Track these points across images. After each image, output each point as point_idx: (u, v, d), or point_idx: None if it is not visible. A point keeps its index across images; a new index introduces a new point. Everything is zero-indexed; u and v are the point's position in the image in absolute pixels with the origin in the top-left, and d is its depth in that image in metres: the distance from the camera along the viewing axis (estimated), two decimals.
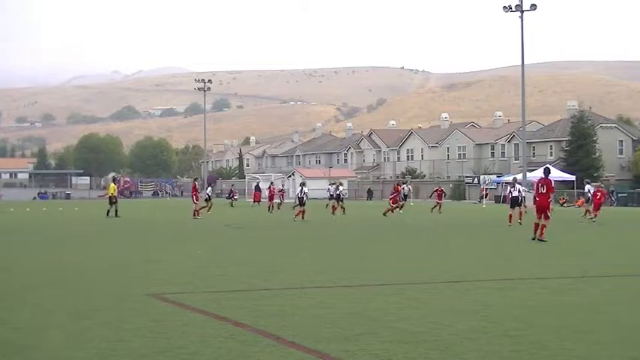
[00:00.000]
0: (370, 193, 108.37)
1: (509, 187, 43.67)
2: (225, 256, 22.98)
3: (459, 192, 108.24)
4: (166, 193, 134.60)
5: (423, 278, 17.40)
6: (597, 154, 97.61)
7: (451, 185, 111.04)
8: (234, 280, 16.90)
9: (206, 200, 55.56)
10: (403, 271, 18.86)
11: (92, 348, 9.77)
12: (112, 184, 51.67)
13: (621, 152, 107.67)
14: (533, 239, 27.23)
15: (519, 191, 41.66)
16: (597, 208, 45.82)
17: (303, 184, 48.18)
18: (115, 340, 10.25)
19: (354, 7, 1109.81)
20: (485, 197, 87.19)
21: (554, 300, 13.88)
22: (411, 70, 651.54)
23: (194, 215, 48.02)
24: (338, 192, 54.75)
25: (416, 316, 12.09)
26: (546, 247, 26.01)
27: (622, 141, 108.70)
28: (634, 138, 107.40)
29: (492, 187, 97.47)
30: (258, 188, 76.18)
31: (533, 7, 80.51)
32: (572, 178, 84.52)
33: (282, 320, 11.61)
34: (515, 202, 41.15)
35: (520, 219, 39.88)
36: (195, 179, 54.30)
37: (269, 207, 60.12)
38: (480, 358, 9.28)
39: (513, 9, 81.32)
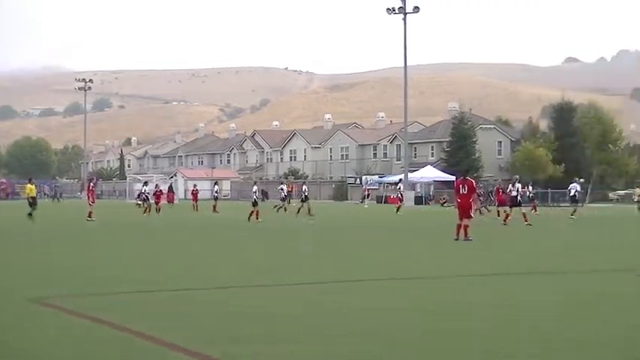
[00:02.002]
0: (265, 194, 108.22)
1: (509, 186, 43.20)
2: (113, 257, 22.45)
3: (341, 192, 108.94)
4: (45, 194, 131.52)
5: (349, 276, 17.31)
6: (477, 155, 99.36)
7: (333, 186, 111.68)
8: (125, 281, 16.49)
9: (253, 204, 46.02)
10: (326, 270, 18.78)
11: None
12: (30, 185, 48.96)
13: (500, 153, 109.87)
14: (456, 240, 27.29)
15: (518, 191, 41.54)
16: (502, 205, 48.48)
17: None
18: None
19: (237, 7, 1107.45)
20: (367, 197, 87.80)
21: (458, 298, 13.86)
22: (295, 70, 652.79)
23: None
24: (305, 193, 54.65)
25: (329, 315, 12.03)
26: (473, 245, 26.23)
27: (501, 142, 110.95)
28: (512, 139, 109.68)
29: (374, 187, 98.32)
30: (171, 189, 77.39)
31: (416, 9, 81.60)
32: (453, 178, 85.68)
33: (169, 323, 11.34)
34: (514, 201, 41.03)
35: (526, 220, 39.70)
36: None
37: (155, 208, 58.57)
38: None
39: (396, 11, 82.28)
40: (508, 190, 42.45)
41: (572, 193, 50.96)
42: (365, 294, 14.77)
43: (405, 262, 21.26)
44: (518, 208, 40.57)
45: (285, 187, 58.37)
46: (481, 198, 54.48)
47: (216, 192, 66.19)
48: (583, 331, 10.80)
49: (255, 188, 47.24)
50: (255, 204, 45.51)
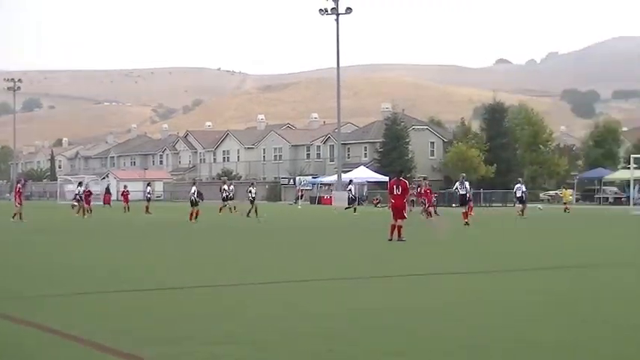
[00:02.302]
0: (200, 195, 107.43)
1: (457, 184, 42.70)
2: (42, 258, 22.08)
3: (274, 193, 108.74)
4: None
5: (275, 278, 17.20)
6: (410, 156, 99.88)
7: (267, 187, 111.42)
8: (58, 283, 16.24)
9: (192, 204, 46.26)
10: (251, 272, 18.60)
11: None
12: None
13: (433, 154, 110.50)
14: (390, 240, 27.22)
15: (466, 189, 41.30)
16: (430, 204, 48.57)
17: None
18: None
19: (170, 7, 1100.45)
20: (301, 198, 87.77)
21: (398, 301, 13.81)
22: (228, 71, 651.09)
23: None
24: (252, 195, 53.89)
25: (246, 317, 11.89)
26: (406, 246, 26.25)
27: (433, 142, 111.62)
28: (445, 140, 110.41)
29: (308, 188, 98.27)
30: (108, 190, 77.35)
31: (349, 10, 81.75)
32: (386, 179, 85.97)
33: (102, 324, 11.15)
34: (464, 200, 40.66)
35: (466, 219, 39.44)
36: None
37: (85, 210, 57.32)
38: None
39: (329, 12, 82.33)
40: (455, 189, 42.36)
41: (518, 194, 51.45)
42: (314, 294, 14.81)
43: (361, 262, 21.30)
44: (462, 207, 40.49)
45: (226, 187, 57.82)
46: (435, 197, 55.16)
47: (148, 193, 65.80)
48: (559, 331, 10.82)
49: (193, 189, 46.94)
50: (193, 204, 45.30)
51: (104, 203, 74.95)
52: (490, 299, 13.80)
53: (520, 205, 50.90)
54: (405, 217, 27.97)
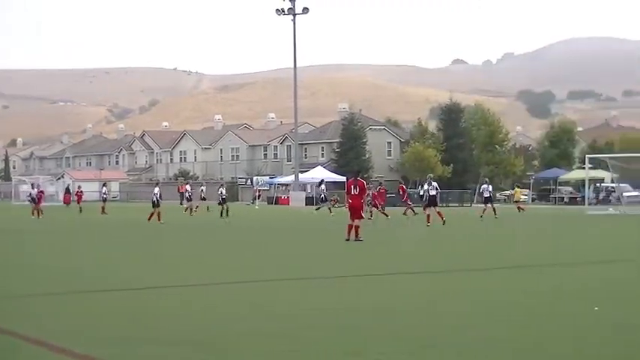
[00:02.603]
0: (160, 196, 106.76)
1: (425, 186, 42.33)
2: None
3: (232, 193, 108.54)
4: None
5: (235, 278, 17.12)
6: (367, 156, 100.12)
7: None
8: (11, 285, 15.95)
9: (154, 205, 45.06)
10: (213, 272, 18.52)
11: None
12: None
13: (390, 154, 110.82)
14: (348, 240, 27.17)
15: (437, 189, 41.10)
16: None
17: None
18: None
19: (125, 6, 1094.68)
20: (258, 198, 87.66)
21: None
22: (184, 71, 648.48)
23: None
24: (222, 195, 53.92)
25: (206, 317, 11.80)
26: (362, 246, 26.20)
27: (390, 142, 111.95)
28: (402, 140, 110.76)
29: (265, 188, 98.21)
30: (68, 190, 79.15)
31: (306, 10, 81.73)
32: (344, 179, 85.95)
33: (54, 325, 10.98)
34: (433, 201, 40.45)
35: (428, 221, 39.02)
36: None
37: (37, 211, 57.01)
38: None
39: (286, 12, 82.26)
40: (425, 191, 42.16)
41: (486, 195, 51.44)
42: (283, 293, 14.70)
43: (318, 262, 21.30)
44: (433, 207, 40.31)
45: (189, 187, 57.90)
46: (409, 201, 55.27)
47: (104, 193, 65.42)
48: (523, 330, 10.83)
49: (156, 190, 46.56)
50: (154, 205, 44.93)
51: (64, 203, 75.39)
52: (449, 299, 13.77)
53: (484, 205, 50.98)
54: (362, 217, 28.07)
